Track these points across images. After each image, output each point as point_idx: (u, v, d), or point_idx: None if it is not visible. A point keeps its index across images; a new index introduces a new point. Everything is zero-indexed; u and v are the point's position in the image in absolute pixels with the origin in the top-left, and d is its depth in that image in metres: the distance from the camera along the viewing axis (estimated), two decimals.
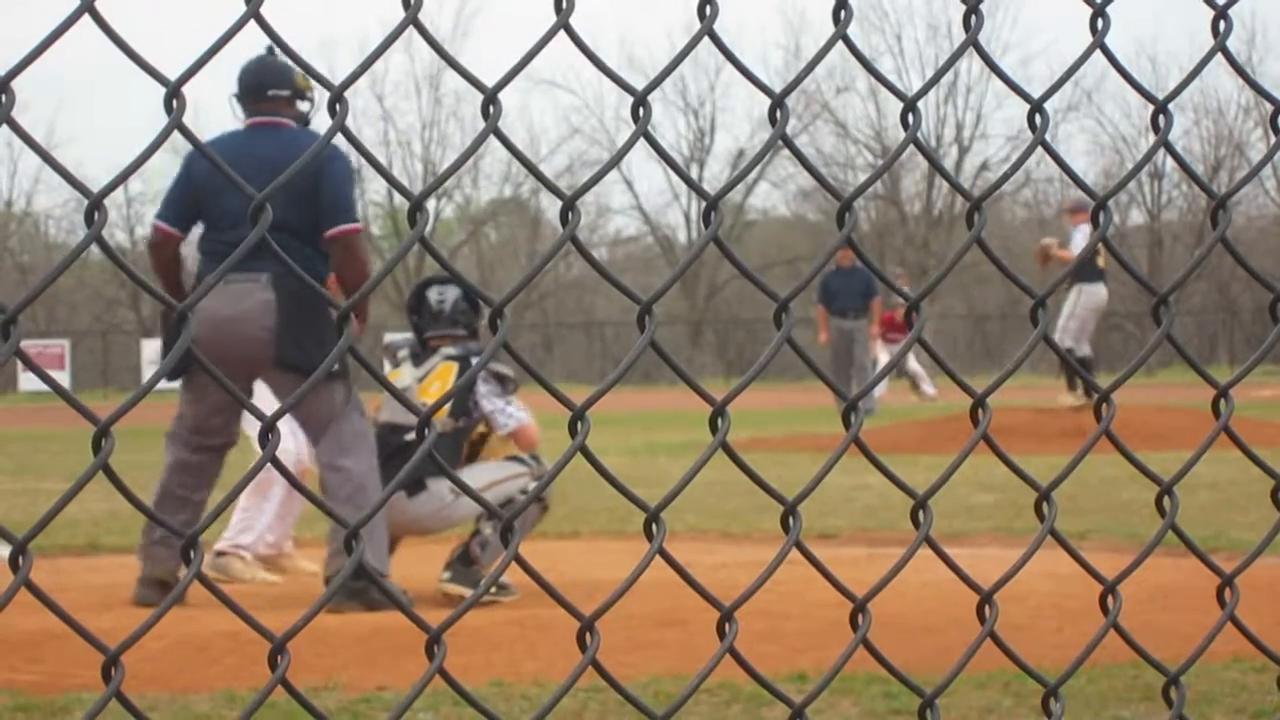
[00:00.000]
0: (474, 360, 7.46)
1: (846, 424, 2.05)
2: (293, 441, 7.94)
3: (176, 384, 7.42)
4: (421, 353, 7.62)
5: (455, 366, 7.47)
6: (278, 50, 8.11)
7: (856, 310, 24.60)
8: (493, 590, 7.11)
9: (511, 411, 7.50)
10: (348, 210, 7.17)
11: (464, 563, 7.29)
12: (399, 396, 1.86)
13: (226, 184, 7.12)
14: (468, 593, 7.07)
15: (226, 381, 1.77)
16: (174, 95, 1.64)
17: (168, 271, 7.25)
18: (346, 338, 1.75)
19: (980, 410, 2.15)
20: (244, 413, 7.52)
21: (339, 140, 1.84)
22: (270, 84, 7.33)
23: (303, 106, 7.43)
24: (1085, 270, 17.61)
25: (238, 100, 7.38)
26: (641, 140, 1.92)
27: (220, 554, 8.11)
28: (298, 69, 7.44)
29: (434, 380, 7.45)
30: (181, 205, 7.31)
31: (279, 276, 6.96)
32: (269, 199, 1.71)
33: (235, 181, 1.74)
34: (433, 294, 7.62)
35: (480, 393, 7.45)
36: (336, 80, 1.74)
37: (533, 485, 7.41)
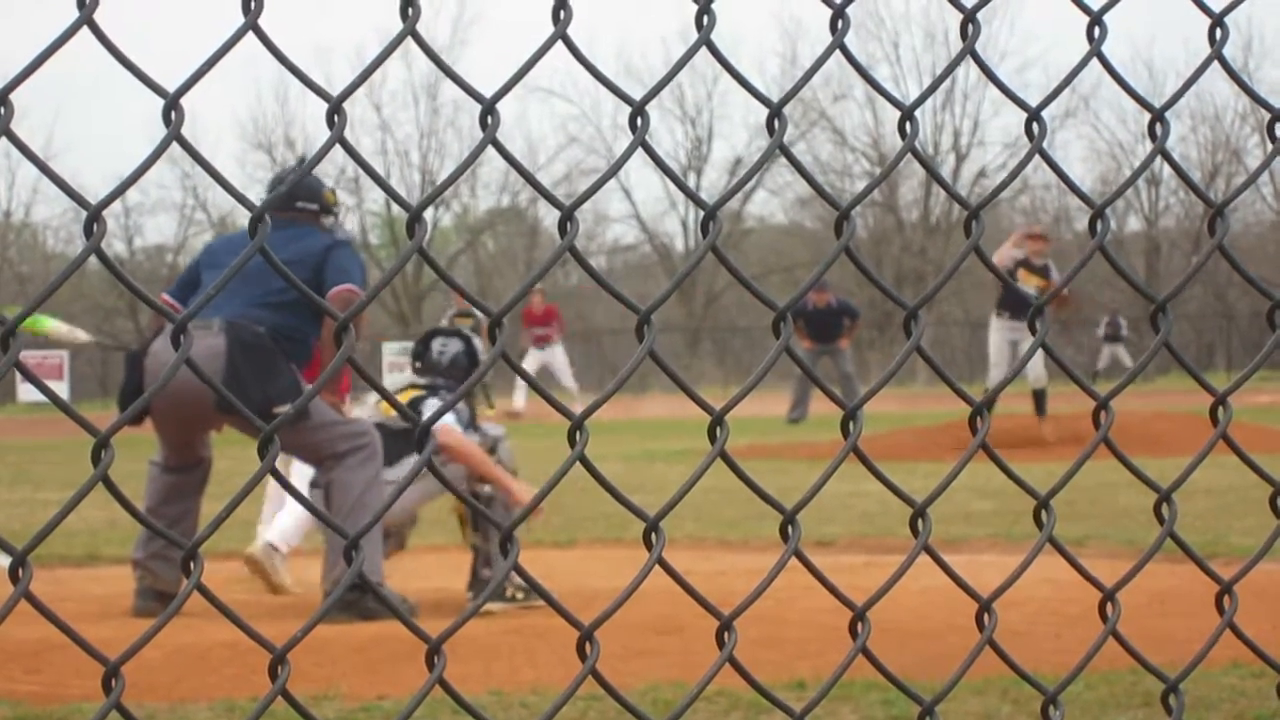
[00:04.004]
0: (441, 394, 7.59)
1: (845, 433, 2.06)
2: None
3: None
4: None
5: (416, 393, 7.61)
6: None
7: (835, 335, 25.44)
8: (519, 597, 7.18)
9: (444, 420, 7.51)
10: (350, 275, 7.24)
11: (484, 586, 7.31)
12: (399, 408, 1.86)
13: (229, 256, 7.37)
14: (496, 605, 7.10)
15: (214, 381, 1.77)
16: (172, 107, 1.64)
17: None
18: (347, 348, 1.75)
19: (979, 418, 2.16)
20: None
21: (326, 162, 1.84)
22: (299, 196, 7.45)
23: (327, 221, 7.55)
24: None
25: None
26: (639, 149, 1.92)
27: (273, 548, 8.09)
28: (328, 187, 7.57)
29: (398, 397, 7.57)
30: (188, 278, 7.51)
31: (229, 323, 7.02)
32: (255, 209, 1.72)
33: (230, 190, 1.74)
34: (436, 344, 7.83)
35: (428, 404, 7.52)
36: (334, 90, 1.74)
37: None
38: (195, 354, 6.65)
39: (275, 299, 7.11)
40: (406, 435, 7.40)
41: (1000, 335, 17.51)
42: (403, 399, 7.57)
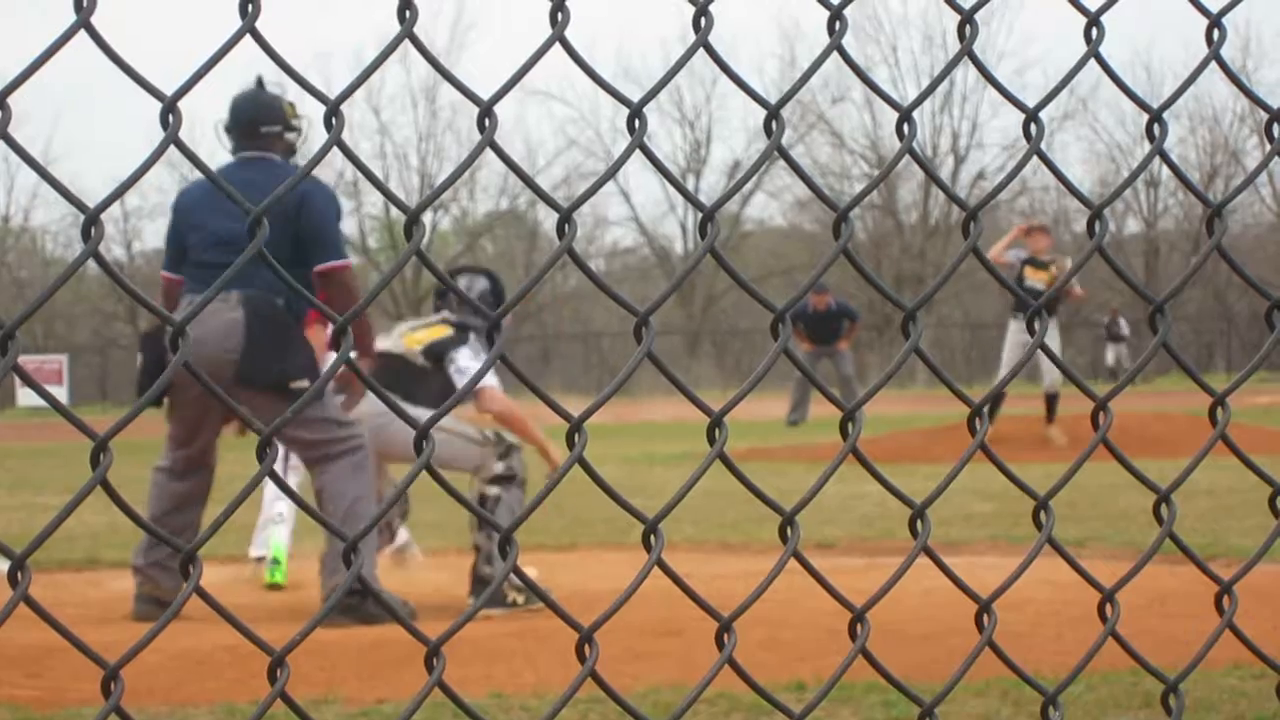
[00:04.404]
0: (472, 338, 7.60)
1: (844, 434, 2.06)
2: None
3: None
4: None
5: (449, 329, 7.63)
6: (268, 82, 7.88)
7: (835, 338, 25.63)
8: (519, 602, 7.21)
9: (488, 382, 7.53)
10: (333, 245, 7.18)
11: (483, 584, 7.32)
12: (399, 412, 1.86)
13: (205, 213, 7.20)
14: (496, 611, 7.12)
15: (218, 390, 1.77)
16: (170, 110, 1.64)
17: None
18: (346, 349, 1.75)
19: (978, 419, 2.16)
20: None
21: (322, 167, 1.84)
22: (263, 120, 7.37)
23: (290, 137, 7.47)
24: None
25: (227, 132, 7.41)
26: (638, 151, 1.92)
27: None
28: (287, 99, 7.51)
29: (425, 331, 7.64)
30: (175, 248, 7.40)
31: (248, 296, 6.99)
32: (259, 218, 1.72)
33: (234, 198, 1.74)
34: (462, 280, 7.87)
35: (461, 354, 7.55)
36: (332, 93, 1.74)
37: (496, 465, 7.43)
38: (214, 327, 6.66)
39: (281, 261, 7.01)
40: (427, 373, 7.45)
41: (1016, 338, 17.34)
42: (435, 334, 7.58)
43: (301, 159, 7.59)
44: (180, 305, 7.15)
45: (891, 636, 5.71)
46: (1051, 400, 17.69)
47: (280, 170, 7.27)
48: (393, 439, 7.33)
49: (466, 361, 7.52)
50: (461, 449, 7.35)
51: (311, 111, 7.56)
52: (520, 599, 7.22)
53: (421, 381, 7.43)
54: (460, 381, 7.41)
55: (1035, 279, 16.60)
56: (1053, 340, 17.42)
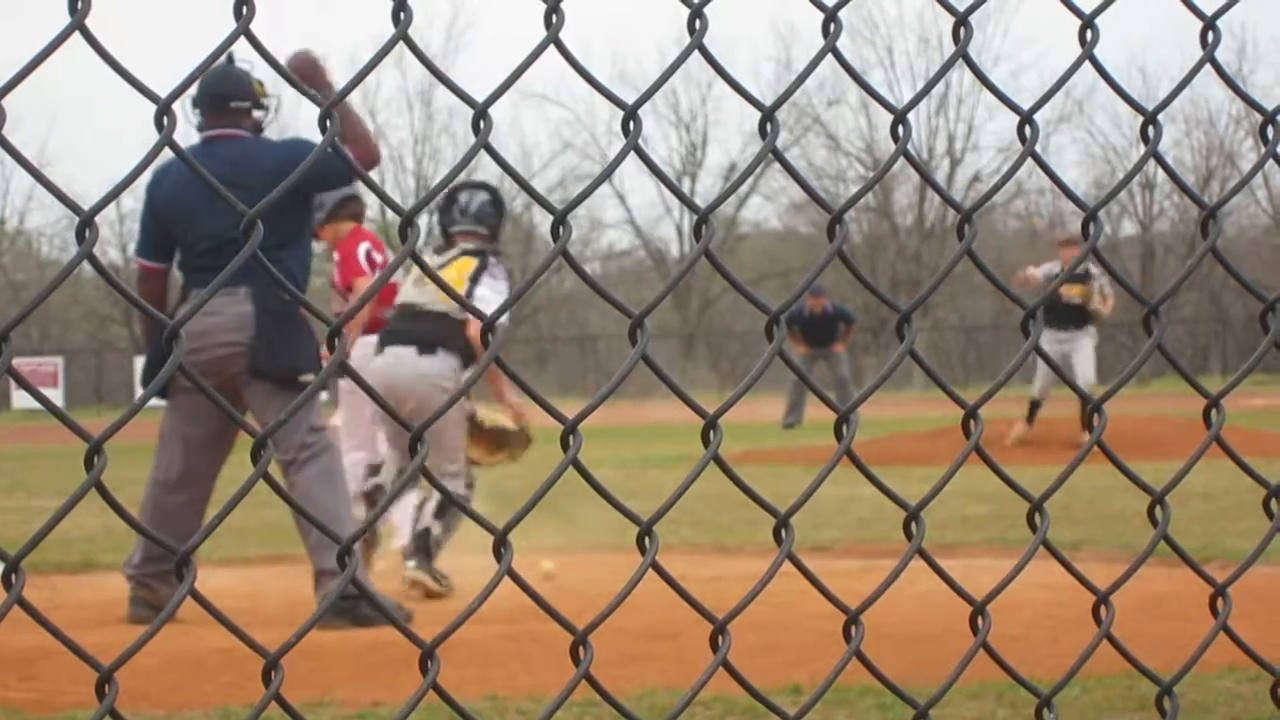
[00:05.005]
0: (490, 261, 7.87)
1: (838, 436, 2.06)
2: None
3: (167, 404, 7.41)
4: (444, 246, 8.10)
5: (474, 262, 7.87)
6: (239, 58, 7.75)
7: (831, 340, 25.65)
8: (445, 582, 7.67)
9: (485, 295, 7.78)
10: (330, 162, 7.00)
11: (426, 554, 7.66)
12: (403, 423, 1.86)
13: (193, 206, 7.08)
14: (429, 581, 7.65)
15: (216, 395, 1.77)
16: (165, 112, 1.64)
17: (157, 303, 7.20)
18: (340, 351, 1.75)
19: (972, 421, 2.16)
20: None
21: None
22: (234, 95, 7.28)
23: (258, 115, 7.40)
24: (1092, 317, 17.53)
25: (195, 107, 7.31)
26: (633, 154, 1.92)
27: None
28: (256, 77, 7.44)
29: (450, 269, 7.83)
30: (155, 236, 7.30)
31: (257, 290, 6.97)
32: (247, 213, 1.72)
33: (231, 201, 1.74)
34: (463, 195, 8.09)
35: (481, 283, 7.80)
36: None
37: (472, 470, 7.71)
38: (223, 322, 6.63)
39: (275, 247, 6.73)
40: (453, 322, 7.74)
41: (1049, 347, 17.39)
42: (463, 268, 7.77)
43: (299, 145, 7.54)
44: (189, 300, 7.14)
45: (886, 639, 5.71)
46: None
47: (251, 146, 7.21)
48: (425, 364, 7.53)
49: (484, 290, 7.76)
50: (457, 438, 7.55)
51: (308, 113, 7.52)
52: (446, 582, 7.61)
53: (456, 329, 7.72)
54: (477, 305, 7.56)
55: (1069, 293, 17.05)
56: (1087, 349, 17.66)
